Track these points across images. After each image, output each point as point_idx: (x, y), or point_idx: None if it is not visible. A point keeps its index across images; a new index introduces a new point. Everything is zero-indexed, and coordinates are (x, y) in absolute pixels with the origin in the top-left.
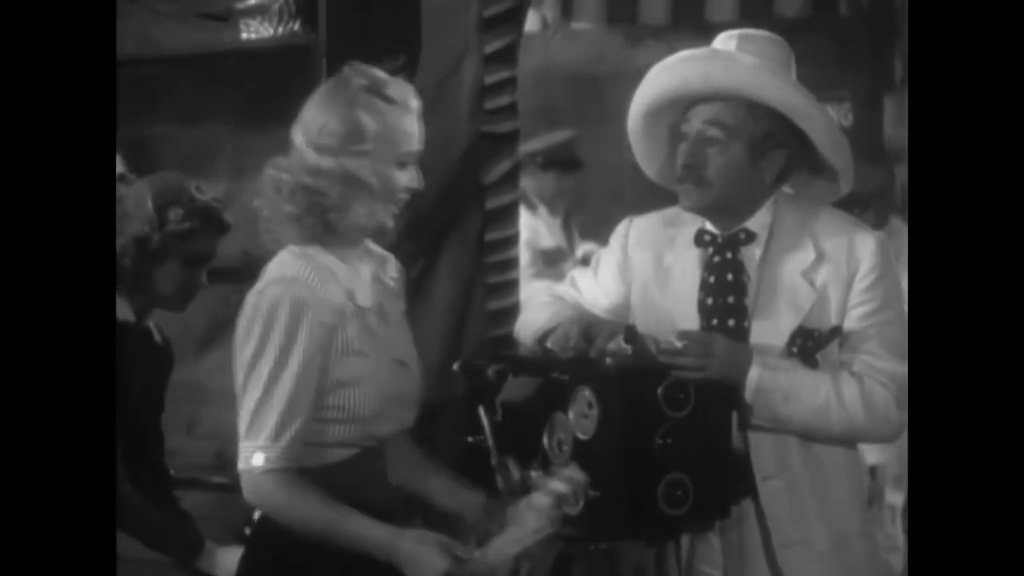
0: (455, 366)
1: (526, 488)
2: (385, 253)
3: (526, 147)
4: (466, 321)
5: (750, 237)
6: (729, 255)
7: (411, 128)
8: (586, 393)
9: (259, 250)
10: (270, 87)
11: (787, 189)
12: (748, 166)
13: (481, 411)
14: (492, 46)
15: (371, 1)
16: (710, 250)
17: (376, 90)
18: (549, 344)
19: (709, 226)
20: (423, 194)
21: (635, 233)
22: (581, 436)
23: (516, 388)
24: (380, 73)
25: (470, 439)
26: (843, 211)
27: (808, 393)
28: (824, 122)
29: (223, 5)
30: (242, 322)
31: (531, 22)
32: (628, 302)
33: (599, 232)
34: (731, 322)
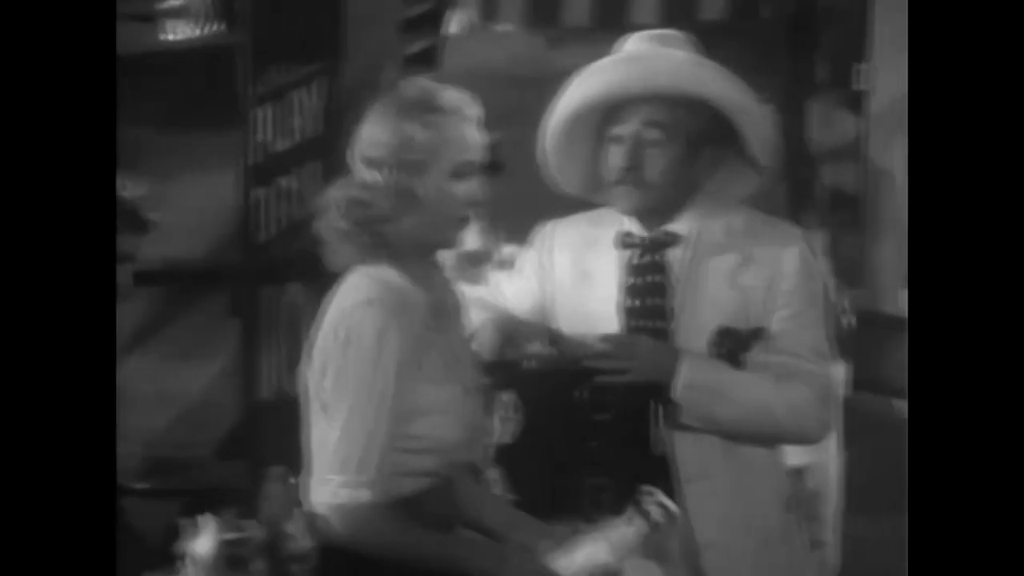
0: None
1: None
2: (447, 271)
3: None
4: None
5: (676, 239)
6: (655, 257)
7: (468, 137)
8: (508, 397)
9: (183, 254)
10: (194, 89)
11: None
12: (686, 166)
13: None
14: (413, 48)
15: (294, 3)
16: (634, 252)
17: (428, 100)
18: (473, 347)
19: (633, 227)
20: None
21: (557, 236)
22: (505, 440)
23: None
24: (434, 84)
25: None
26: (763, 212)
27: (737, 392)
28: (761, 117)
29: (146, 7)
30: (321, 348)
31: (452, 24)
32: (550, 305)
33: (523, 235)
34: (655, 324)
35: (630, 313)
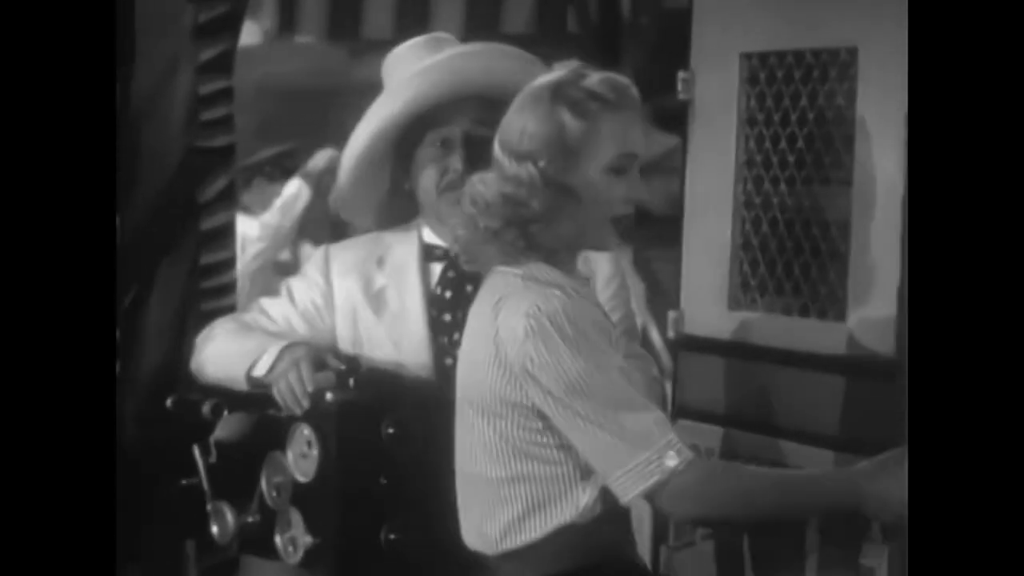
0: (168, 402)
1: (242, 536)
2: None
3: (249, 159)
4: (180, 353)
5: None
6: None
7: (628, 129)
8: (305, 431)
9: None
10: None
11: None
12: None
13: (196, 451)
14: (207, 53)
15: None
16: (447, 264)
17: (585, 87)
18: (260, 375)
19: (435, 239)
20: (133, 214)
21: (335, 262)
22: (300, 479)
23: (231, 426)
24: (592, 69)
25: (184, 482)
26: None
27: None
28: None
29: None
30: (546, 364)
31: (251, 34)
32: (331, 333)
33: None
34: None
35: (443, 327)
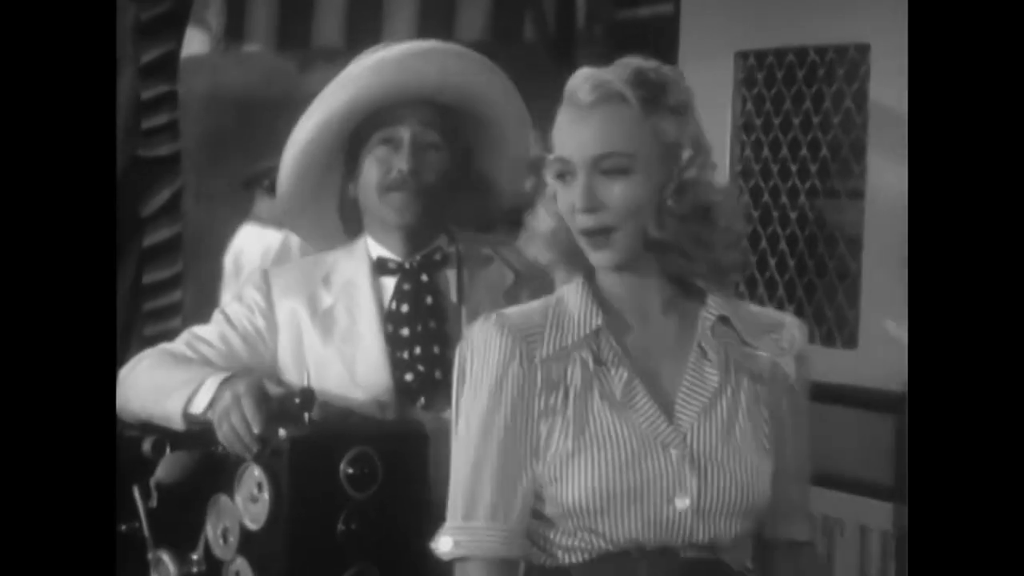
0: None
1: None
2: None
3: (246, 172)
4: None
5: (446, 259)
6: (424, 278)
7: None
8: (254, 472)
9: None
10: None
11: None
12: (454, 178)
13: (136, 493)
14: (149, 55)
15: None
16: (402, 277)
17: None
18: (198, 412)
19: (385, 252)
20: None
21: (277, 282)
22: (250, 525)
23: (173, 465)
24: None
25: (123, 527)
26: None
27: None
28: (527, 140)
29: None
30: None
31: (196, 43)
32: (272, 359)
33: None
34: (435, 349)
35: (401, 342)
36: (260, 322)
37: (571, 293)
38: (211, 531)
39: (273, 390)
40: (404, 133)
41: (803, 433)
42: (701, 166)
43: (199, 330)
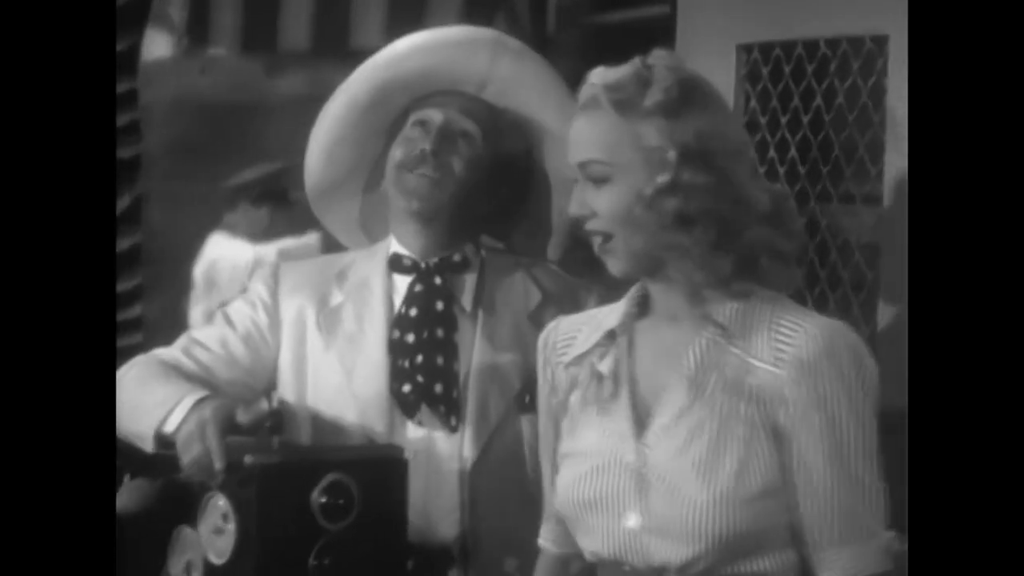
0: None
1: None
2: None
3: (234, 180)
4: None
5: (466, 263)
6: (438, 280)
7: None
8: (220, 502)
9: None
10: None
11: None
12: (486, 176)
13: None
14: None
15: None
16: (416, 277)
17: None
18: (170, 431)
19: (402, 249)
20: None
21: (286, 278)
22: (214, 559)
23: (133, 494)
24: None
25: None
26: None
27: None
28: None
29: None
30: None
31: (159, 47)
32: (272, 362)
33: None
34: (439, 360)
35: (405, 349)
36: (263, 319)
37: (625, 298)
38: (173, 566)
39: (241, 416)
40: (437, 116)
41: (835, 453)
42: (697, 169)
43: (198, 334)
